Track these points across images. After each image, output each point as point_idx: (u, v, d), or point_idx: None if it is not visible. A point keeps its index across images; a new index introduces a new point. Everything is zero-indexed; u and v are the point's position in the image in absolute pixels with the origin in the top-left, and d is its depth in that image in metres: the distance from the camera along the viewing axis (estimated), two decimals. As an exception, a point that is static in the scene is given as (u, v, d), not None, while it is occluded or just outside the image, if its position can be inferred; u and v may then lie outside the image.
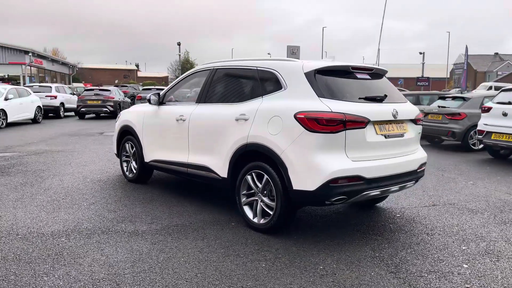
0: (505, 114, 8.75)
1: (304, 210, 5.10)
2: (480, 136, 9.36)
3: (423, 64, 42.07)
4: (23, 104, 16.19)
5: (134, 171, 6.30)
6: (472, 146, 10.78)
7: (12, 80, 38.16)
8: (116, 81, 61.83)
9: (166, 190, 5.97)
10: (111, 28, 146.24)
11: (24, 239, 4.01)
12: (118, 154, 6.72)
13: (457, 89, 31.19)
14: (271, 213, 4.16)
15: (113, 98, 19.77)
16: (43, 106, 18.35)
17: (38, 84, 23.95)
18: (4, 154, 9.00)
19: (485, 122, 9.22)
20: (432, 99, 14.10)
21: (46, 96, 19.35)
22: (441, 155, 10.14)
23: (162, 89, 11.24)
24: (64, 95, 21.05)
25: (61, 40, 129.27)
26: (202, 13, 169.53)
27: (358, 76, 4.36)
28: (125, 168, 6.54)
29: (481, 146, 10.36)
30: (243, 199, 4.45)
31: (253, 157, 4.32)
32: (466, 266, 3.59)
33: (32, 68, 42.04)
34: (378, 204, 5.44)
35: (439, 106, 11.66)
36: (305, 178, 3.86)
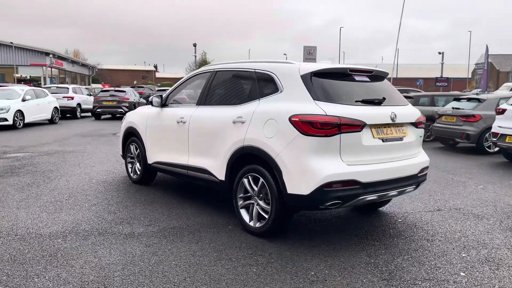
0: (520, 116, 8.51)
1: (304, 214, 5.05)
2: (494, 139, 9.11)
3: (442, 64, 41.32)
4: (40, 105, 16.52)
5: (138, 173, 6.34)
6: (487, 149, 10.52)
7: (33, 81, 39.07)
8: (135, 82, 62.58)
9: (168, 192, 5.99)
10: (131, 30, 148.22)
11: (22, 239, 4.07)
12: (124, 155, 6.78)
13: (478, 90, 30.52)
14: (267, 217, 4.12)
15: (128, 99, 20.02)
16: (60, 107, 18.72)
17: (55, 85, 24.39)
18: (17, 154, 9.18)
19: (499, 124, 8.98)
20: (448, 101, 13.79)
21: (63, 97, 19.75)
22: (453, 158, 9.93)
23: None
24: (81, 96, 21.41)
25: (82, 42, 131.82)
26: (221, 14, 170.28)
27: (357, 78, 4.28)
28: (129, 169, 6.59)
29: (497, 149, 10.10)
30: (240, 202, 4.42)
31: (250, 160, 4.29)
32: (463, 274, 3.49)
33: (52, 69, 42.91)
34: (380, 209, 5.34)
35: (453, 108, 11.42)
36: (299, 182, 3.81)
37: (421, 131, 4.54)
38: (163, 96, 5.85)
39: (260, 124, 4.15)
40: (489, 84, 40.34)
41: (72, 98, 20.20)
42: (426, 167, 4.59)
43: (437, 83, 35.84)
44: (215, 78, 5.10)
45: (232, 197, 4.50)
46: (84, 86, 29.05)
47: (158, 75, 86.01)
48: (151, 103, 5.83)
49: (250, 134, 4.22)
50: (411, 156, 4.40)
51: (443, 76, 39.88)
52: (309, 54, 48.81)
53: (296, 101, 3.99)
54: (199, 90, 5.37)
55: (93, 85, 42.79)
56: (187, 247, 3.94)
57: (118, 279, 3.27)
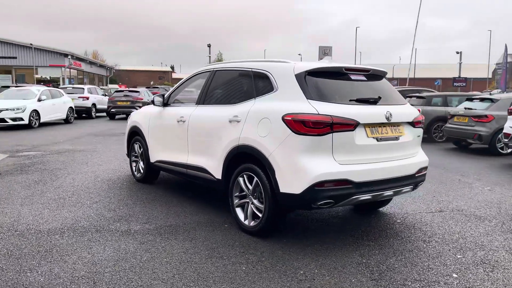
0: (531, 117, 8.32)
1: (302, 213, 5.04)
2: (506, 140, 8.93)
3: (459, 64, 40.61)
4: (55, 105, 16.84)
5: (142, 171, 6.42)
6: (500, 150, 10.32)
7: (53, 82, 39.87)
8: (152, 83, 63.25)
9: (170, 191, 6.04)
10: (149, 31, 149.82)
11: (21, 235, 4.17)
12: (128, 154, 6.87)
13: (497, 90, 29.88)
14: (261, 215, 4.13)
15: (142, 99, 20.23)
16: (75, 107, 19.07)
17: (71, 85, 24.84)
18: (29, 153, 9.39)
19: (511, 125, 8.79)
20: (461, 101, 13.55)
21: (78, 97, 20.10)
22: (464, 159, 9.76)
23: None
24: (96, 96, 21.75)
25: (101, 43, 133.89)
26: (238, 15, 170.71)
27: (353, 77, 4.25)
28: (133, 168, 6.67)
29: (510, 150, 9.88)
30: (236, 201, 4.44)
31: (245, 159, 4.31)
32: (456, 275, 3.43)
33: (71, 70, 43.69)
34: (380, 209, 5.29)
35: (465, 108, 11.23)
36: (291, 181, 3.80)
37: (419, 131, 4.48)
38: (165, 95, 5.91)
39: (255, 123, 4.16)
40: (510, 84, 39.41)
41: (87, 98, 20.54)
42: (425, 167, 4.53)
43: (454, 83, 35.27)
44: (214, 77, 5.14)
45: (228, 195, 4.53)
46: (99, 87, 29.50)
47: (174, 75, 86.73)
48: (152, 102, 5.90)
49: (245, 133, 4.24)
50: (408, 156, 4.34)
51: (462, 76, 39.21)
52: (325, 54, 48.63)
53: (290, 100, 3.99)
54: (199, 89, 5.41)
55: (110, 86, 43.46)
56: (180, 245, 3.97)
57: (108, 275, 3.32)
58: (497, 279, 3.38)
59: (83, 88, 21.29)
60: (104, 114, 22.38)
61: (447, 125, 11.59)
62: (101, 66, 54.99)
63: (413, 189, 4.48)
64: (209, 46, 36.16)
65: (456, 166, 8.65)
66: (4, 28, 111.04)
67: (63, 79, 41.83)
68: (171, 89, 6.09)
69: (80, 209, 5.07)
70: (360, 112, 3.93)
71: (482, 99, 11.20)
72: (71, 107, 18.06)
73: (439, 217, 4.99)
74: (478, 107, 10.89)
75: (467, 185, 6.81)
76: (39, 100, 15.86)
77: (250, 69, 4.59)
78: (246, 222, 4.30)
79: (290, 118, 3.82)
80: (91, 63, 50.69)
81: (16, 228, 4.36)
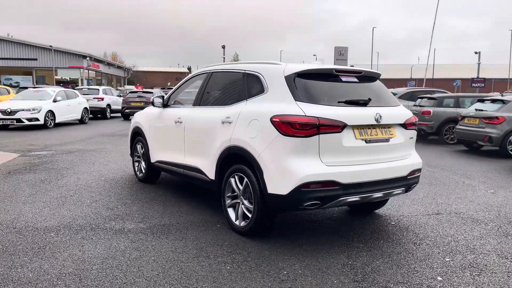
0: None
1: (296, 214, 5.06)
2: (515, 142, 8.75)
3: (478, 64, 39.85)
4: (70, 106, 17.19)
5: (143, 171, 6.53)
6: (510, 152, 10.12)
7: (72, 83, 40.71)
8: (169, 84, 63.88)
9: (170, 190, 6.13)
10: (167, 33, 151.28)
11: (18, 232, 4.30)
12: (132, 154, 7.00)
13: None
14: (250, 216, 4.17)
15: (155, 100, 20.46)
16: (91, 107, 19.44)
17: (87, 86, 25.29)
18: (40, 153, 9.62)
19: (520, 127, 8.62)
20: (474, 102, 13.33)
21: (93, 98, 20.46)
22: (473, 161, 9.60)
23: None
24: (111, 97, 22.12)
25: (120, 45, 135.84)
26: (255, 16, 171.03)
27: (344, 79, 4.25)
28: (136, 168, 6.79)
29: (521, 152, 9.70)
30: (228, 201, 4.49)
31: (236, 160, 4.35)
32: (440, 278, 3.41)
33: (89, 71, 44.50)
34: (377, 211, 5.26)
35: (476, 109, 11.06)
36: (278, 182, 3.83)
37: (411, 133, 4.44)
38: (165, 96, 6.00)
39: (245, 124, 4.21)
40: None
41: (102, 99, 20.91)
42: (418, 170, 4.50)
43: (473, 84, 34.64)
44: (211, 79, 5.20)
45: (221, 196, 4.58)
46: (116, 88, 29.93)
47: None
48: (152, 103, 6.00)
49: (236, 134, 4.29)
50: (400, 158, 4.32)
51: (481, 76, 38.45)
52: (340, 55, 48.15)
53: (279, 101, 4.02)
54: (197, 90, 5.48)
55: (126, 87, 44.06)
56: (170, 244, 4.04)
57: (94, 272, 3.41)
58: (483, 283, 3.35)
59: (98, 89, 21.68)
60: (119, 114, 22.74)
61: (458, 126, 11.42)
62: (119, 67, 55.84)
63: (405, 191, 4.46)
64: (223, 47, 36.36)
65: (464, 168, 8.53)
66: (25, 30, 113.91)
67: (82, 80, 42.65)
68: (171, 90, 6.19)
69: (79, 207, 5.19)
70: (348, 113, 3.94)
71: (493, 101, 11.00)
72: (85, 108, 18.40)
73: (435, 220, 4.95)
74: (489, 109, 10.71)
75: (471, 187, 6.72)
76: (55, 101, 16.21)
77: (244, 71, 4.63)
78: (237, 223, 4.34)
79: (278, 120, 3.85)
80: (109, 64, 51.53)
81: (14, 226, 4.50)
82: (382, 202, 5.11)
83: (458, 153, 10.99)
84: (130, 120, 8.51)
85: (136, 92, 21.89)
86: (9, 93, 18.07)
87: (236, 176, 4.35)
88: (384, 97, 4.44)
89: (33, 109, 15.14)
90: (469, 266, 3.65)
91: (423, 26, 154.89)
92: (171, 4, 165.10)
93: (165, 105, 5.95)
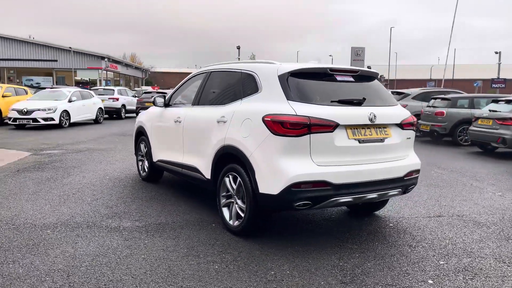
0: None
1: (294, 214, 5.02)
2: (529, 143, 8.52)
3: (499, 64, 38.95)
4: (85, 106, 17.46)
5: (146, 170, 6.58)
6: (525, 154, 9.84)
7: (91, 84, 41.43)
8: (186, 84, 64.20)
9: (171, 189, 6.16)
10: (186, 34, 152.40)
11: (15, 229, 4.37)
12: (136, 154, 7.06)
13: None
14: (243, 215, 4.15)
15: (169, 100, 20.65)
16: (106, 107, 19.74)
17: (102, 87, 25.67)
18: (52, 151, 9.80)
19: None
20: (490, 103, 13.06)
21: (109, 98, 20.75)
22: (486, 163, 9.38)
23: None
24: (126, 98, 22.40)
25: (139, 46, 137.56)
26: (273, 16, 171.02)
27: (339, 78, 4.20)
28: (139, 167, 6.85)
29: (535, 154, 9.42)
30: (222, 201, 4.48)
31: (230, 159, 4.34)
32: (431, 282, 3.33)
33: (108, 72, 45.17)
34: (376, 212, 5.18)
35: (490, 110, 10.80)
36: (269, 181, 3.81)
37: (409, 133, 4.36)
38: (167, 96, 6.04)
39: (239, 123, 4.19)
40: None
41: (117, 99, 21.19)
42: (416, 171, 4.40)
43: (493, 85, 33.87)
44: (209, 78, 5.21)
45: (216, 195, 4.58)
46: (134, 88, 30.25)
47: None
48: (153, 103, 6.04)
49: (230, 133, 4.28)
50: (396, 158, 4.24)
51: (502, 77, 37.57)
52: (357, 55, 47.63)
53: (272, 101, 4.00)
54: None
55: (143, 87, 44.55)
56: (162, 243, 4.06)
57: (83, 269, 3.44)
58: (475, 287, 3.25)
59: (114, 90, 21.99)
60: (134, 114, 22.99)
61: (471, 128, 11.18)
62: (137, 68, 56.56)
63: (403, 192, 4.37)
64: (238, 48, 36.42)
65: (474, 170, 8.33)
66: (45, 32, 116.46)
67: (100, 81, 43.33)
68: (173, 89, 6.22)
69: (80, 205, 5.26)
70: (341, 113, 3.89)
71: (508, 101, 10.73)
72: (100, 108, 18.67)
73: (435, 222, 4.84)
74: (503, 109, 10.45)
75: (478, 190, 6.56)
76: (70, 101, 16.50)
77: (240, 70, 4.62)
78: (231, 222, 4.33)
79: (269, 119, 3.83)
80: (127, 65, 52.22)
81: (13, 222, 4.58)
82: (381, 203, 5.03)
83: (471, 155, 10.75)
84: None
85: (150, 92, 22.13)
86: (27, 93, 18.42)
87: (230, 176, 4.34)
88: (381, 97, 4.37)
89: (49, 109, 15.44)
90: (463, 270, 3.56)
91: (444, 26, 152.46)
92: (190, 4, 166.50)
93: (166, 104, 5.98)
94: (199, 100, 5.21)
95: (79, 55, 42.78)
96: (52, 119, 15.48)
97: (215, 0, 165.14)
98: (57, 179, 6.75)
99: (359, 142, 3.95)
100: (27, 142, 11.37)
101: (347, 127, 3.90)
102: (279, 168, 3.74)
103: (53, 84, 39.55)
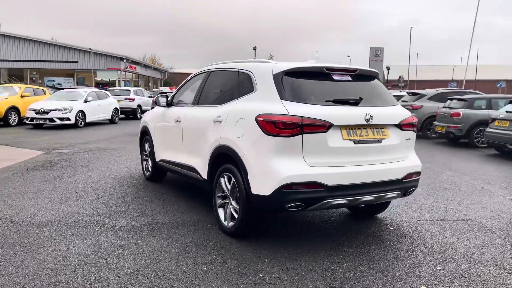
0: None
1: (293, 216, 4.94)
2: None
3: (523, 64, 37.84)
4: (101, 106, 17.69)
5: (150, 170, 6.59)
6: (543, 157, 9.50)
7: (111, 84, 42.06)
8: (204, 85, 64.61)
9: (173, 189, 6.15)
10: (205, 34, 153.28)
11: (13, 227, 4.42)
12: (141, 153, 7.09)
13: None
14: (237, 216, 4.10)
15: (183, 101, 20.78)
16: (122, 108, 19.98)
17: (119, 88, 25.99)
18: (63, 151, 9.93)
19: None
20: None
21: (125, 99, 20.99)
22: (501, 166, 9.09)
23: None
24: (142, 98, 22.62)
25: (159, 47, 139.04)
26: (292, 17, 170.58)
27: (335, 77, 4.10)
28: (144, 167, 6.87)
29: (554, 157, 9.08)
30: (218, 201, 4.44)
31: (225, 160, 4.29)
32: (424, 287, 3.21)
33: (127, 73, 45.76)
34: (378, 215, 5.05)
35: (507, 111, 10.46)
36: (261, 182, 3.75)
37: (408, 134, 4.22)
38: (169, 96, 6.04)
39: (233, 123, 4.15)
40: None
41: (133, 100, 21.42)
42: (416, 173, 4.27)
43: (516, 86, 32.90)
44: (209, 78, 5.18)
45: (212, 195, 4.54)
46: (150, 89, 30.51)
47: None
48: (155, 103, 6.04)
49: (225, 133, 4.24)
50: (395, 160, 4.11)
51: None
52: (376, 55, 46.98)
53: (266, 100, 3.93)
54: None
55: (161, 88, 44.97)
56: (155, 243, 4.03)
57: (72, 268, 3.44)
58: (470, 295, 3.13)
59: (129, 90, 22.23)
60: (150, 115, 23.22)
61: (488, 129, 10.86)
62: (156, 69, 57.10)
63: (402, 195, 4.24)
64: (254, 48, 36.41)
65: (487, 173, 8.08)
66: (66, 34, 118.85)
67: (119, 81, 43.92)
68: (175, 89, 6.21)
69: (80, 204, 5.29)
70: (335, 113, 3.79)
71: (526, 102, 10.39)
72: (116, 108, 18.89)
73: (438, 226, 4.69)
74: (521, 111, 10.11)
75: (488, 193, 6.35)
76: (86, 101, 16.74)
77: (237, 70, 4.57)
78: (226, 223, 4.28)
79: (262, 119, 3.76)
80: (146, 66, 52.79)
81: (12, 220, 4.63)
82: (382, 206, 4.90)
83: (487, 157, 10.45)
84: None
85: (165, 93, 22.27)
86: (45, 93, 18.78)
87: (225, 176, 4.29)
88: (380, 97, 4.26)
89: (65, 109, 15.69)
90: (460, 276, 3.42)
91: (468, 26, 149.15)
92: (209, 6, 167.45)
93: (169, 104, 5.97)
94: (199, 100, 5.18)
95: (99, 56, 43.47)
96: (68, 119, 15.72)
97: (235, 0, 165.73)
98: (63, 178, 6.82)
99: (355, 143, 3.85)
100: (42, 142, 11.57)
101: (341, 127, 3.80)
102: (271, 168, 3.67)
103: (74, 84, 40.30)
